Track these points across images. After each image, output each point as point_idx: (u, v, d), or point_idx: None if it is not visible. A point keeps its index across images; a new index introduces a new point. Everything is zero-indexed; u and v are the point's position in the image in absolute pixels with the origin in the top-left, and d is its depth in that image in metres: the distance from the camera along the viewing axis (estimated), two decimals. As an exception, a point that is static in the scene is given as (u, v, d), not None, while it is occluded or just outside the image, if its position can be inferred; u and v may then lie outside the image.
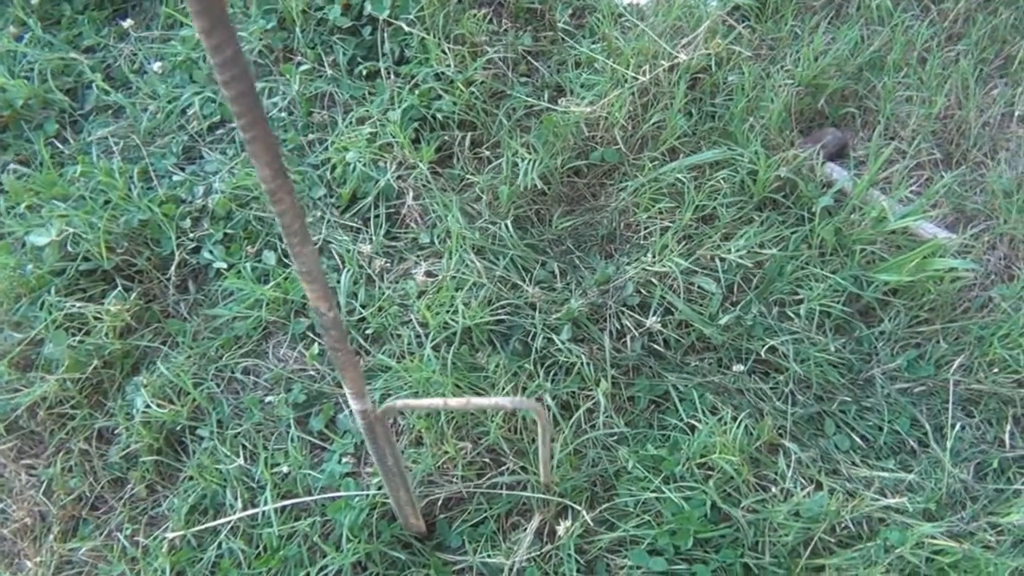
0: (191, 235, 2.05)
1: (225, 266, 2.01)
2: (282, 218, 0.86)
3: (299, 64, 2.31)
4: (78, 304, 1.88)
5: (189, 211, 2.08)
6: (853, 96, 2.29)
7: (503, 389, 1.77)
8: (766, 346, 1.87)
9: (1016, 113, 2.30)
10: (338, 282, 1.96)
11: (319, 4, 2.35)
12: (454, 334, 1.84)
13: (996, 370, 1.84)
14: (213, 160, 2.19)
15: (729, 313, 1.90)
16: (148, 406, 1.78)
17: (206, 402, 1.83)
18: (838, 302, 1.90)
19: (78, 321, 1.89)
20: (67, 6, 2.51)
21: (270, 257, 2.01)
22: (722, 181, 2.03)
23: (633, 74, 2.11)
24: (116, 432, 1.82)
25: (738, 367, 1.87)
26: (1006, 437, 1.80)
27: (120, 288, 1.95)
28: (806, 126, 2.27)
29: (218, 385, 1.87)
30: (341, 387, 1.84)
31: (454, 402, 1.06)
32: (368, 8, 2.30)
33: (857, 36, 2.32)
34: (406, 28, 2.21)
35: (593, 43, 2.30)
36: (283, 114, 2.28)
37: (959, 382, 1.85)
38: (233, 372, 1.89)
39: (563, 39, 2.34)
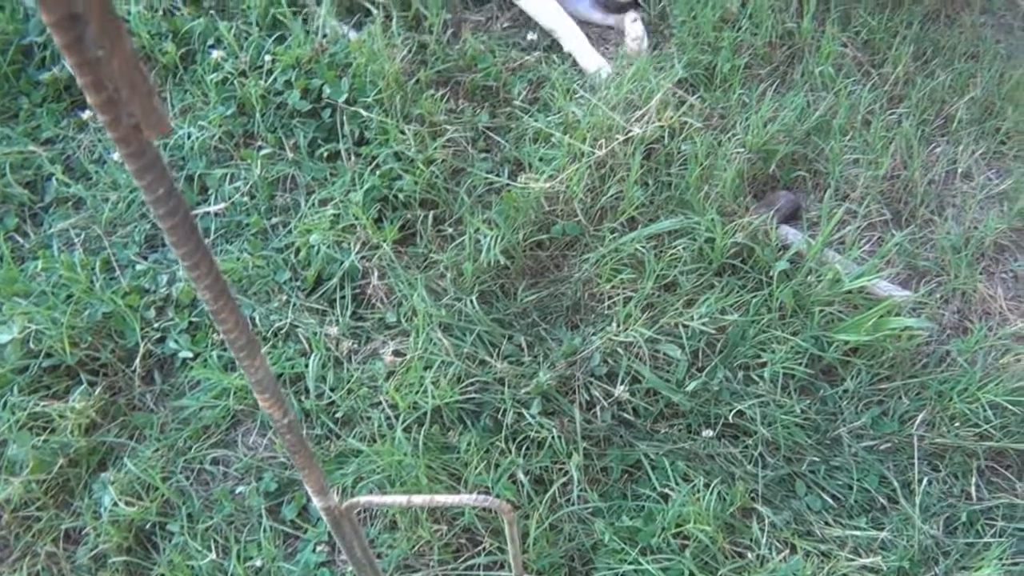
0: (156, 325, 2.04)
1: (191, 355, 2.00)
2: (228, 335, 0.87)
3: (260, 148, 2.33)
4: (42, 403, 1.86)
5: (153, 301, 2.07)
6: (803, 160, 2.36)
7: (475, 468, 1.77)
8: (733, 410, 1.89)
9: (959, 170, 2.39)
10: (306, 366, 1.95)
11: (278, 89, 2.39)
12: (424, 414, 1.84)
13: (958, 424, 1.88)
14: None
15: (695, 379, 1.92)
16: (116, 504, 1.76)
17: (175, 496, 1.80)
18: (800, 364, 1.94)
19: (42, 420, 1.87)
20: (25, 99, 2.52)
21: (237, 344, 2.00)
22: (681, 249, 2.07)
23: (589, 148, 2.17)
24: (84, 532, 1.78)
25: (707, 432, 1.89)
26: (972, 490, 1.84)
27: (85, 383, 1.93)
28: (760, 190, 2.33)
29: (187, 478, 1.85)
30: (313, 474, 1.83)
31: (417, 499, 1.06)
32: (327, 91, 2.34)
33: (803, 102, 2.40)
34: (364, 113, 2.25)
35: (548, 118, 2.35)
36: (245, 199, 2.29)
37: (923, 437, 1.89)
38: (202, 463, 1.87)
39: (519, 115, 2.39)
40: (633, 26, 2.63)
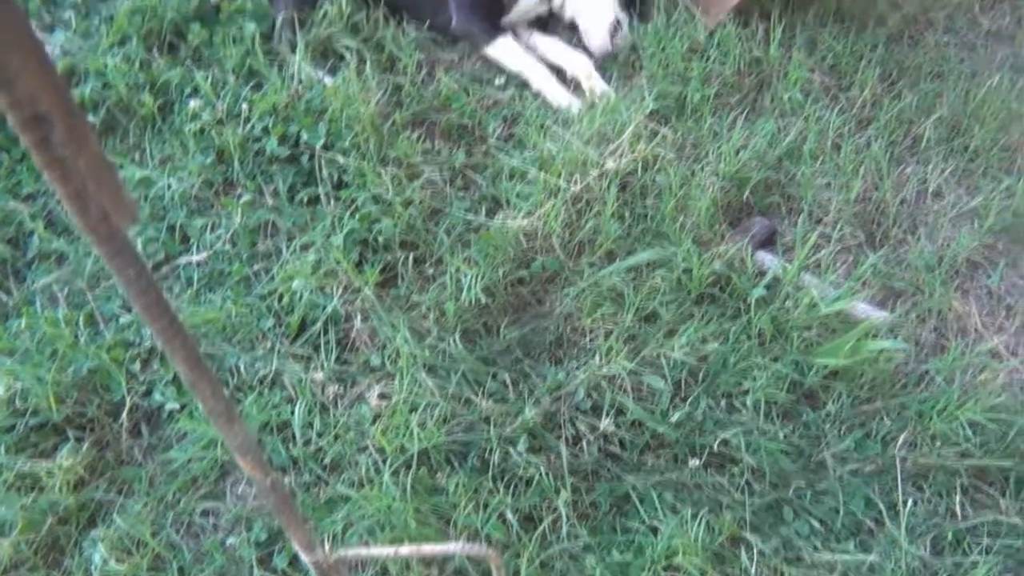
0: (141, 378, 2.05)
1: (177, 407, 2.01)
2: (205, 404, 0.88)
3: (240, 196, 2.35)
4: (30, 462, 1.86)
5: (138, 353, 2.08)
6: (776, 185, 2.40)
7: (464, 509, 1.78)
8: (718, 439, 1.91)
9: (930, 189, 2.43)
10: (292, 413, 1.96)
11: (256, 136, 2.42)
12: (411, 457, 1.85)
13: (939, 443, 1.90)
14: (159, 299, 2.20)
15: (679, 409, 1.94)
16: (106, 561, 1.75)
17: (166, 551, 1.80)
18: (782, 389, 1.96)
19: (30, 479, 1.87)
20: (5, 155, 2.53)
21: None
22: (660, 280, 2.10)
23: (565, 183, 2.20)
24: (75, 592, 1.78)
25: (693, 462, 1.91)
26: (957, 508, 1.85)
27: (72, 440, 1.93)
28: (734, 217, 2.36)
29: (177, 531, 1.85)
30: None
31: (404, 550, 1.07)
32: (304, 137, 2.37)
33: (773, 128, 2.44)
34: (340, 160, 2.27)
35: (524, 154, 2.38)
36: (227, 247, 2.30)
37: (906, 458, 1.91)
38: (192, 516, 1.87)
39: (495, 152, 2.42)
40: (589, 83, 2.66)
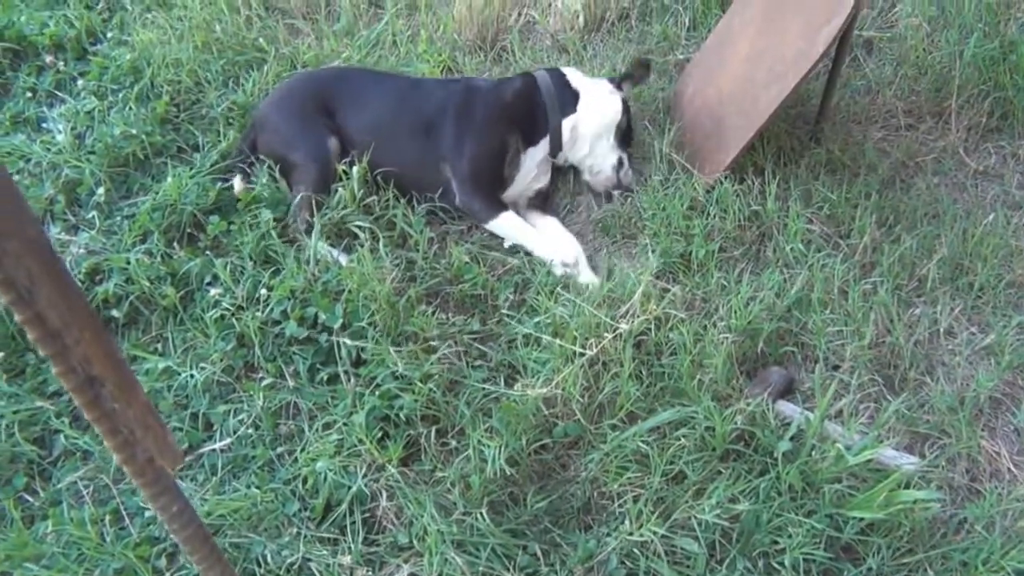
0: (167, 574, 2.02)
1: (204, 603, 1.97)
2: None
3: (261, 379, 2.38)
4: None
5: (164, 549, 2.06)
6: (788, 335, 2.42)
7: None
8: (760, 604, 1.85)
9: (941, 329, 2.45)
10: (321, 604, 1.92)
11: (276, 319, 2.48)
12: (446, 644, 1.79)
13: (989, 596, 1.84)
14: (184, 489, 2.20)
15: (716, 573, 1.89)
16: None
17: None
18: (819, 546, 1.91)
19: None
20: (31, 355, 2.59)
21: (249, 586, 1.98)
22: (683, 439, 2.09)
23: (580, 349, 2.23)
24: None
25: (736, 630, 1.84)
26: (1018, 664, 1.77)
27: (96, 647, 1.89)
28: (751, 367, 2.37)
29: None
30: None
31: None
32: (323, 318, 2.43)
33: (779, 279, 2.49)
34: (350, 342, 2.33)
35: (537, 320, 2.42)
36: (250, 431, 2.32)
37: (956, 612, 1.84)
38: None
39: (508, 320, 2.47)
40: (576, 271, 2.74)
